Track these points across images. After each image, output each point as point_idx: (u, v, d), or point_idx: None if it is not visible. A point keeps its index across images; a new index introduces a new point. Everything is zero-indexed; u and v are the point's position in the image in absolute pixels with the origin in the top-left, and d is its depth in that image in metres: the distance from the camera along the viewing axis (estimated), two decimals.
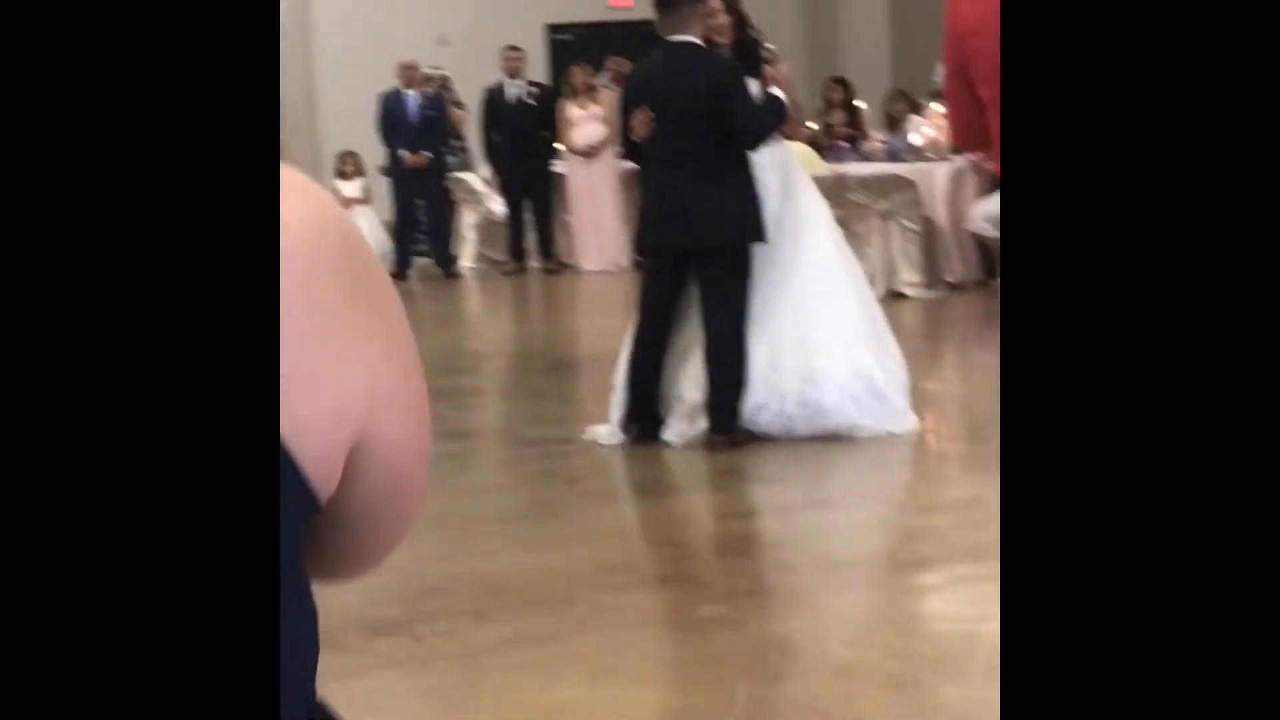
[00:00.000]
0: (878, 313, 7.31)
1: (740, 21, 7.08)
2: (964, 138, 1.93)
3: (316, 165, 16.48)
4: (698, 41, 6.93)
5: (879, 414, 6.80)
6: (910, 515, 5.97)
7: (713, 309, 6.90)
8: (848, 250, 7.46)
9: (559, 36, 19.60)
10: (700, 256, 6.99)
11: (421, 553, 5.62)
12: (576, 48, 17.71)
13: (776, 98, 6.89)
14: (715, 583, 5.21)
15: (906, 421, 6.88)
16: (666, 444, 6.95)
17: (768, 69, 6.87)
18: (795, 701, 4.11)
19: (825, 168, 11.98)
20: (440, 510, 6.35)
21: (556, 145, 15.48)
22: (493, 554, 5.60)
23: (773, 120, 6.92)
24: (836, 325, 6.89)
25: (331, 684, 3.76)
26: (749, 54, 7.01)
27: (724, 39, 6.98)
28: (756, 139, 6.86)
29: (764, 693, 4.17)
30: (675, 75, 6.96)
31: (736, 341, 6.85)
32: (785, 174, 7.12)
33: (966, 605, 4.73)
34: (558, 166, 15.53)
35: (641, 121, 7.07)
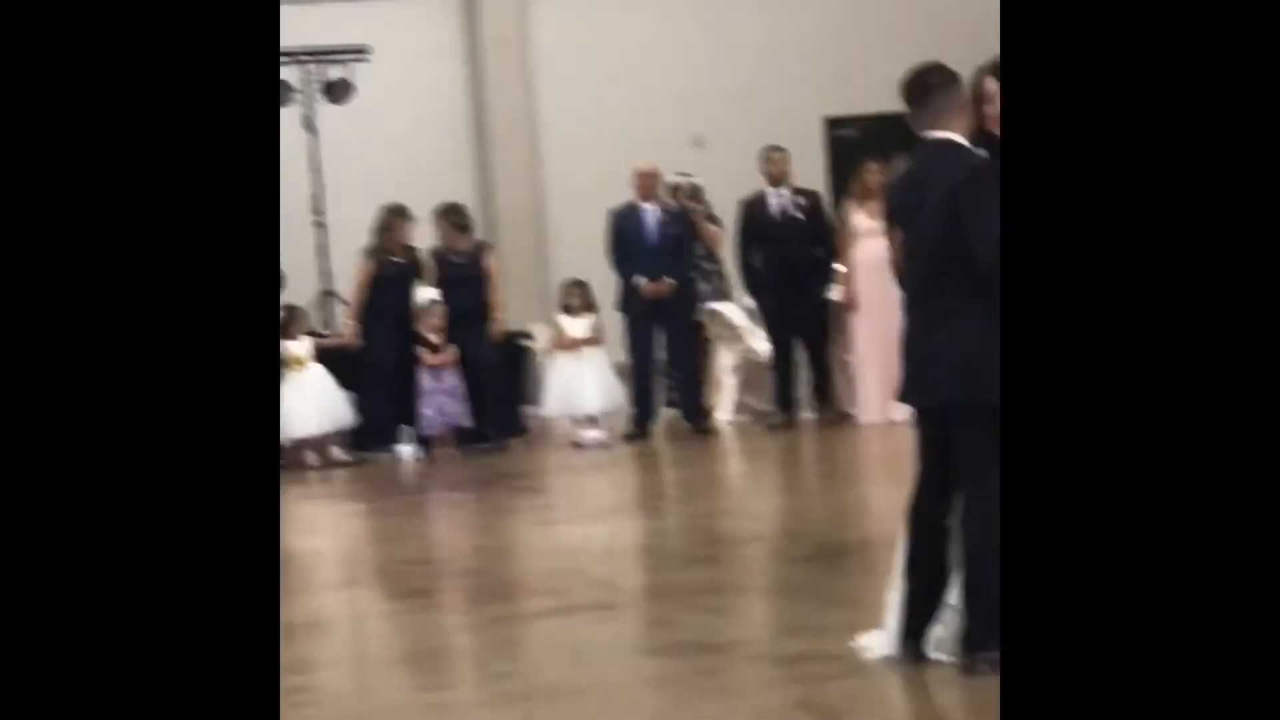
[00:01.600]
0: None
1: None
2: None
3: (544, 297, 16.46)
4: (954, 138, 6.52)
5: None
6: None
7: (970, 495, 6.44)
8: None
9: (840, 132, 19.44)
10: (945, 415, 6.59)
11: None
12: (862, 145, 17.37)
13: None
14: None
15: None
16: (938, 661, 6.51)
17: None
18: None
19: None
20: None
21: (835, 266, 14.96)
22: None
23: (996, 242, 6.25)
24: None
25: None
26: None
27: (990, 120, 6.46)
28: (996, 262, 6.11)
29: None
30: (918, 182, 6.65)
31: (986, 539, 6.11)
32: None
33: None
34: (835, 293, 15.09)
35: (894, 245, 6.88)
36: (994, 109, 6.33)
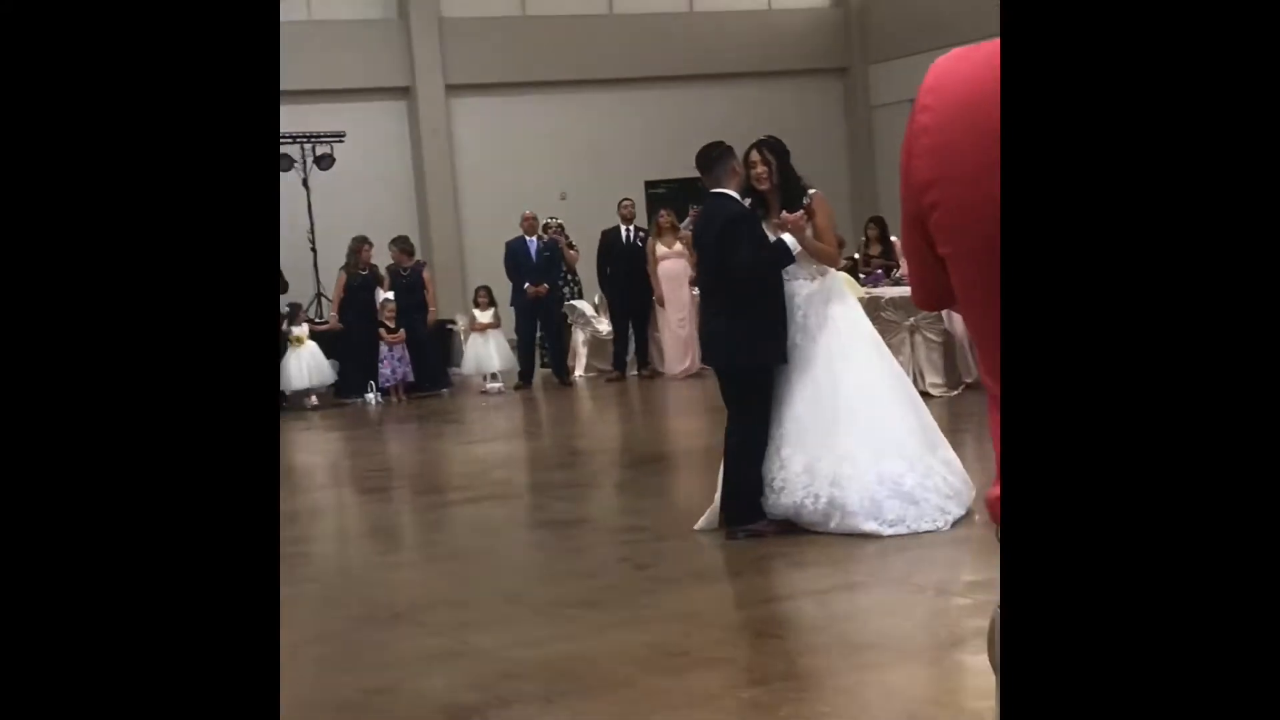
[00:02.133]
0: (927, 421, 6.72)
1: (783, 169, 6.54)
2: (924, 298, 1.52)
3: (464, 297, 16.41)
4: (728, 192, 6.57)
5: (908, 515, 6.21)
6: (926, 598, 5.41)
7: (730, 423, 6.57)
8: (894, 369, 6.94)
9: (654, 190, 19.45)
10: (722, 376, 6.77)
11: (506, 638, 5.20)
12: (668, 199, 17.36)
13: (781, 242, 6.38)
14: (754, 666, 4.74)
15: (941, 520, 6.26)
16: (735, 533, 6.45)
17: (777, 218, 6.39)
18: None
19: (862, 291, 11.91)
20: (530, 595, 5.95)
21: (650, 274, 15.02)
22: (568, 639, 5.15)
23: (771, 260, 6.42)
24: (867, 435, 6.35)
25: None
26: (792, 198, 6.49)
27: (764, 185, 6.50)
28: (749, 276, 6.42)
29: None
30: (705, 222, 6.83)
31: (743, 452, 6.45)
32: (825, 304, 6.53)
33: (978, 687, 4.19)
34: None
35: (692, 263, 7.14)
36: (756, 171, 6.49)
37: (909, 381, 7.07)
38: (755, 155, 6.56)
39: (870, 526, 6.16)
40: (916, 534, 6.14)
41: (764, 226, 6.46)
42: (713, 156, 6.68)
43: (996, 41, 1.39)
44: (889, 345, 11.41)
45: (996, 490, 1.42)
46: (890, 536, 6.12)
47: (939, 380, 11.28)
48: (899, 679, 4.47)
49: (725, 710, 4.27)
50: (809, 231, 6.43)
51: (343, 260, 15.30)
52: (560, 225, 16.19)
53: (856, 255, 13.69)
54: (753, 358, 6.48)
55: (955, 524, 6.26)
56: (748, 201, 6.56)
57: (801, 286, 6.52)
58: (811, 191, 6.60)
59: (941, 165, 1.38)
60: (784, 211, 6.40)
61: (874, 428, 6.39)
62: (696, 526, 6.64)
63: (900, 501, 6.23)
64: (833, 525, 6.24)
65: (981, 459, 8.62)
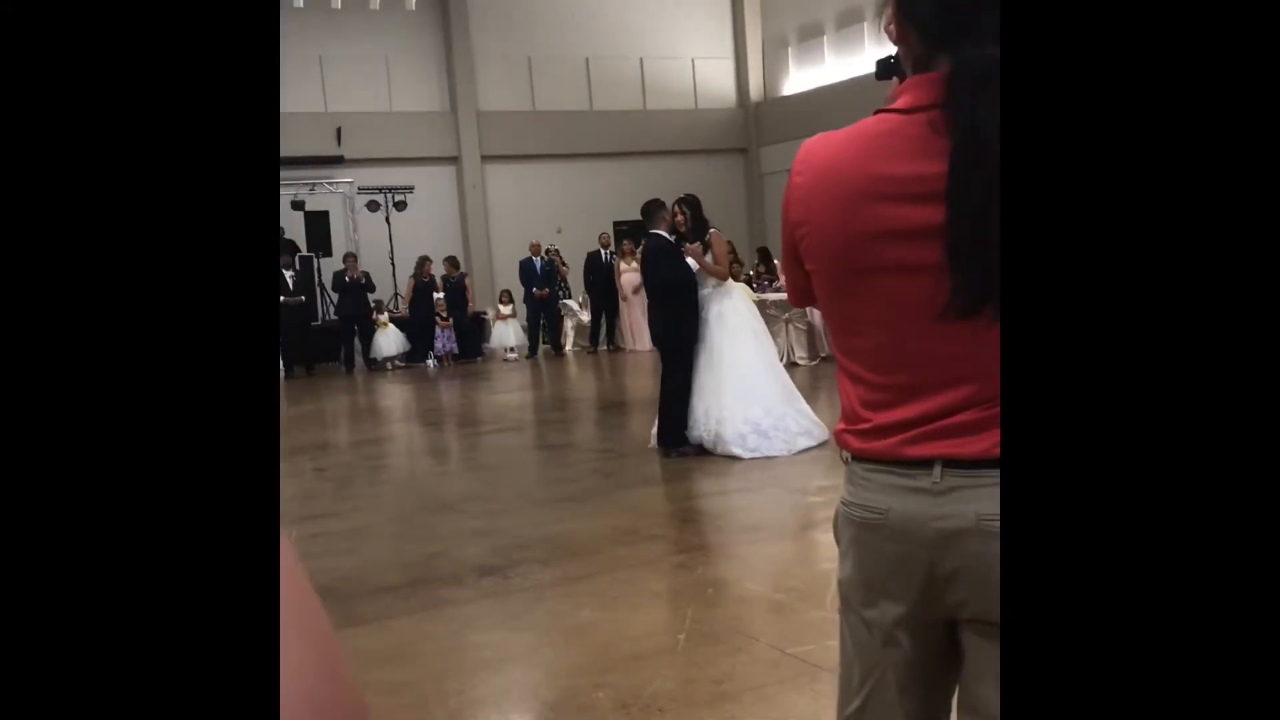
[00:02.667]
0: (785, 382, 6.72)
1: (695, 216, 6.58)
2: (797, 298, 1.51)
3: (492, 296, 16.28)
4: (659, 232, 6.60)
5: (762, 446, 6.29)
6: (795, 497, 5.42)
7: (663, 379, 6.68)
8: (767, 347, 6.85)
9: (619, 227, 19.35)
10: (659, 349, 6.91)
11: (519, 521, 5.18)
12: (628, 233, 17.24)
13: (685, 264, 6.46)
14: (680, 540, 4.72)
15: (787, 449, 6.30)
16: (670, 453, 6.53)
17: (685, 247, 6.46)
18: (721, 622, 3.56)
19: (755, 295, 11.91)
20: (534, 493, 5.93)
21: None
22: (559, 522, 5.12)
23: (676, 277, 6.46)
24: (739, 391, 6.40)
25: (450, 608, 3.24)
26: (700, 235, 6.52)
27: (683, 228, 6.55)
28: (666, 286, 6.49)
29: (702, 615, 3.63)
30: (645, 252, 6.82)
31: (671, 399, 6.56)
32: (719, 303, 6.57)
33: (827, 556, 4.20)
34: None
35: (644, 278, 7.03)
36: (677, 219, 6.51)
37: (774, 356, 6.96)
38: (676, 208, 6.66)
39: (736, 451, 6.27)
40: (772, 458, 6.22)
41: (681, 253, 6.49)
42: (650, 208, 6.75)
43: (845, 131, 1.38)
44: (770, 331, 11.48)
45: (840, 425, 1.43)
46: (754, 459, 6.21)
47: (804, 354, 11.30)
48: (774, 549, 4.48)
49: (661, 569, 4.27)
50: (708, 257, 6.47)
51: (412, 272, 15.21)
52: (556, 250, 16.14)
53: (751, 272, 13.70)
54: (672, 338, 6.59)
55: (807, 450, 6.33)
56: (674, 238, 6.57)
57: (708, 293, 6.56)
58: (712, 231, 6.59)
59: (808, 211, 1.39)
60: (687, 244, 6.50)
61: (744, 387, 6.41)
62: (650, 446, 6.72)
63: (757, 436, 6.32)
64: (719, 450, 6.34)
65: (831, 407, 8.66)
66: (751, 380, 6.45)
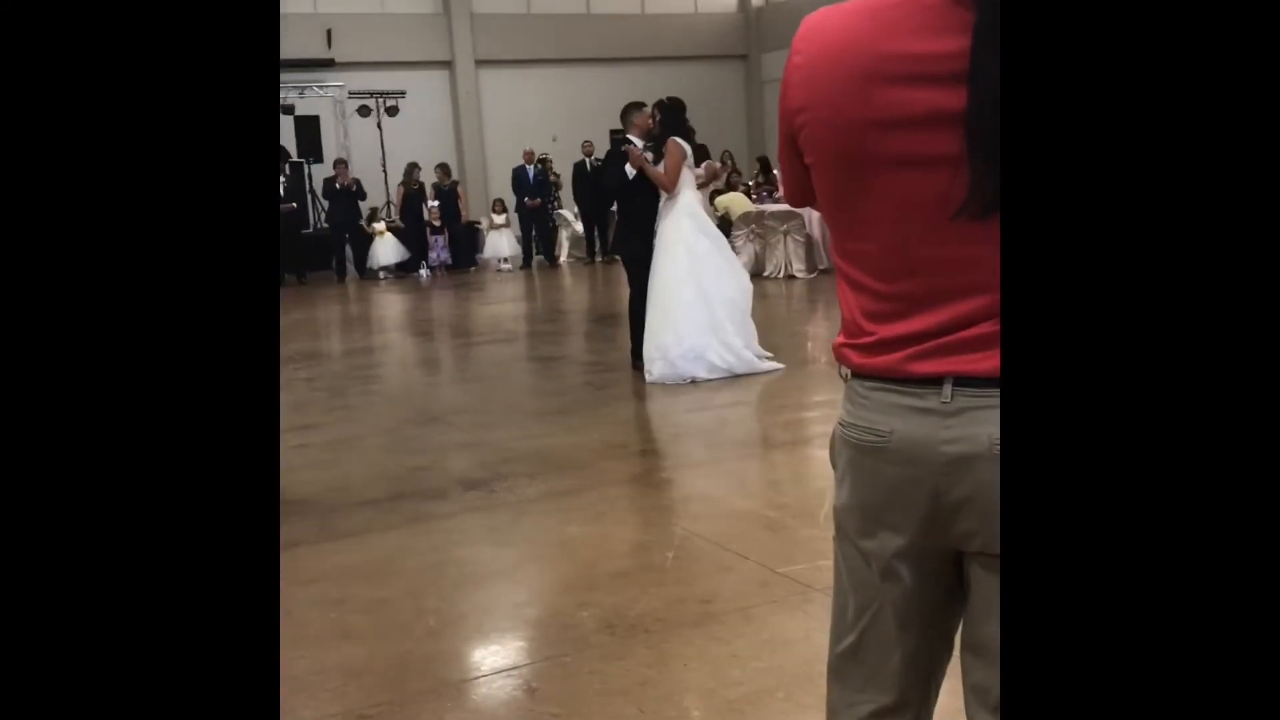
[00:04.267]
0: (719, 308, 6.06)
1: (668, 120, 6.25)
2: (794, 196, 1.34)
3: (485, 204, 16.03)
4: (628, 136, 6.30)
5: (667, 374, 5.93)
6: (789, 412, 5.31)
7: (631, 282, 6.40)
8: (710, 267, 6.11)
9: (616, 135, 18.96)
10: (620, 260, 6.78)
11: (506, 434, 5.08)
12: (623, 140, 16.93)
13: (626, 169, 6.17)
14: (670, 455, 4.64)
15: (690, 375, 5.90)
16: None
17: (627, 148, 6.15)
18: (708, 537, 3.46)
19: (753, 206, 11.76)
20: (523, 406, 5.82)
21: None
22: (547, 435, 5.02)
23: (623, 183, 6.18)
24: (653, 313, 6.05)
25: (433, 522, 3.14)
26: (660, 140, 6.19)
27: (655, 131, 6.28)
28: (613, 193, 6.32)
29: (691, 529, 3.54)
30: (606, 155, 6.69)
31: (631, 315, 6.33)
32: (666, 216, 6.10)
33: (821, 473, 4.10)
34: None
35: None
36: (649, 123, 6.32)
37: (719, 276, 6.12)
38: (650, 110, 6.39)
39: (650, 378, 5.99)
40: (735, 376, 5.95)
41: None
42: (626, 110, 6.49)
43: (853, 2, 1.22)
44: (768, 245, 11.32)
45: (839, 339, 1.29)
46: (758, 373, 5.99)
47: (802, 267, 11.12)
48: (766, 465, 4.39)
49: (650, 484, 4.18)
50: (660, 166, 6.06)
51: (400, 179, 14.95)
52: (548, 157, 15.88)
53: (750, 183, 13.43)
54: (626, 248, 6.39)
55: (734, 377, 5.96)
56: (646, 143, 6.23)
57: (661, 205, 6.14)
58: (670, 140, 6.15)
59: (810, 95, 1.22)
60: (630, 147, 6.16)
61: (658, 308, 6.03)
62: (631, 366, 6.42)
63: (663, 363, 5.97)
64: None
65: (829, 320, 8.54)
66: (668, 302, 5.99)
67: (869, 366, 1.23)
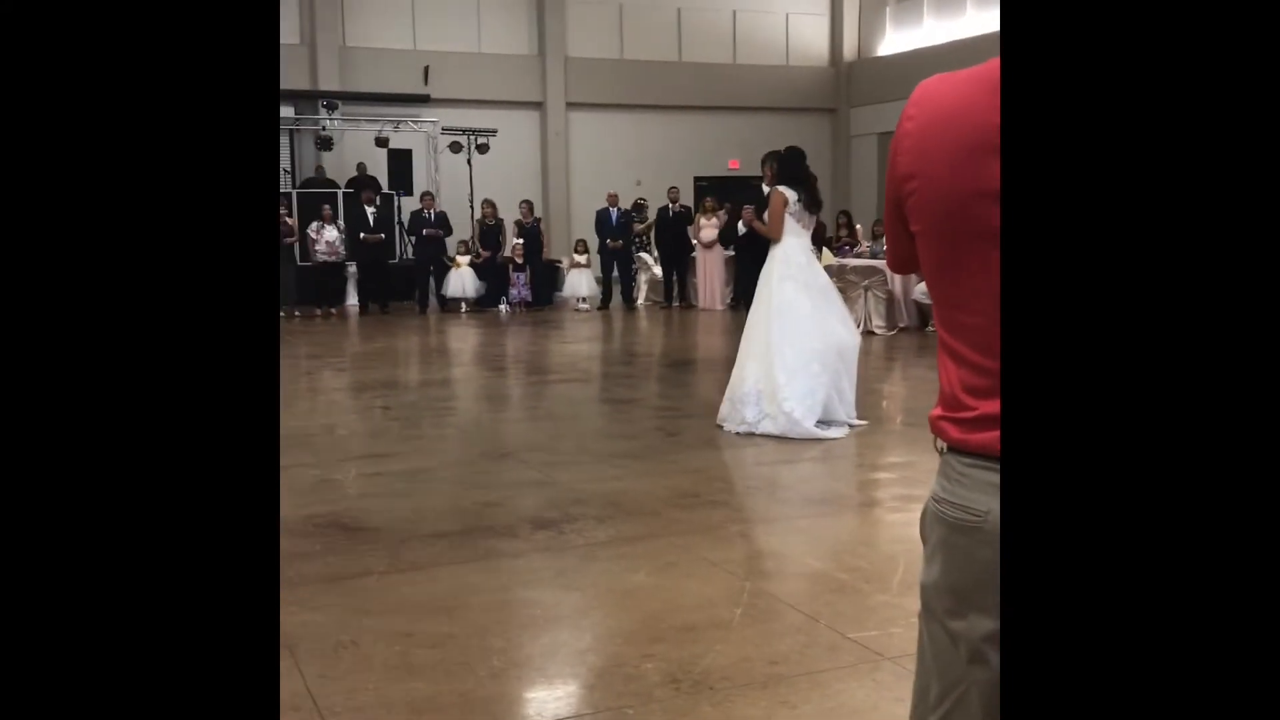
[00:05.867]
0: (775, 360, 5.90)
1: (783, 171, 6.21)
2: (896, 264, 1.32)
3: (567, 243, 16.21)
4: (764, 184, 6.63)
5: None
6: (864, 472, 5.22)
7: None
8: (788, 311, 5.96)
9: (700, 183, 19.08)
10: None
11: (577, 475, 5.07)
12: (708, 190, 17.02)
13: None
14: (741, 508, 4.57)
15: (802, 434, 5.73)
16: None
17: (745, 211, 6.42)
18: (778, 596, 3.41)
19: (834, 260, 11.70)
20: (595, 447, 5.82)
21: (692, 240, 14.72)
22: (618, 479, 5.00)
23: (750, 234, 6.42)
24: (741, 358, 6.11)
25: (502, 560, 3.13)
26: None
27: (770, 183, 6.38)
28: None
29: (760, 589, 3.49)
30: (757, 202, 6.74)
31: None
32: (786, 264, 6.05)
33: (895, 537, 4.01)
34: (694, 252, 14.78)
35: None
36: (768, 173, 6.42)
37: (790, 326, 5.91)
38: (766, 166, 6.60)
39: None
40: (849, 431, 5.89)
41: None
42: (763, 162, 6.74)
43: (969, 70, 1.20)
44: (847, 299, 11.26)
45: (937, 410, 1.26)
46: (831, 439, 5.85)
47: (882, 324, 11.02)
48: (840, 525, 4.30)
49: (720, 537, 4.12)
50: (765, 217, 6.13)
51: (478, 215, 15.31)
52: (635, 202, 15.99)
53: (832, 236, 13.41)
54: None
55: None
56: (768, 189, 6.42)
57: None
58: (767, 189, 6.26)
59: (919, 162, 1.21)
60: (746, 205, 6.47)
61: (743, 352, 6.07)
62: (717, 421, 6.16)
63: (727, 405, 6.07)
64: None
65: (905, 381, 8.43)
66: (743, 347, 6.05)
67: (968, 443, 1.20)
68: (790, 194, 6.06)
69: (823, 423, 5.87)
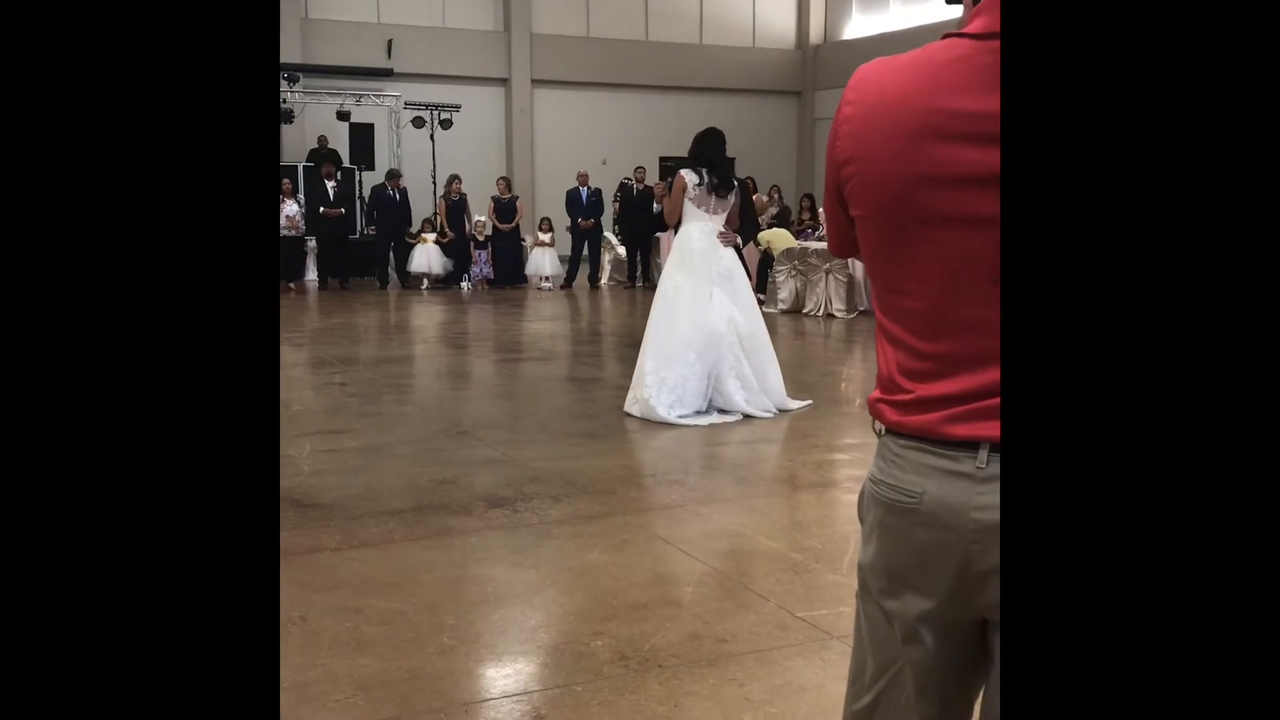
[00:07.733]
0: (667, 343, 5.88)
1: (696, 151, 6.02)
2: (837, 246, 1.32)
3: (533, 222, 16.17)
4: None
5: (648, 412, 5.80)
6: (820, 453, 5.26)
7: None
8: (672, 299, 5.98)
9: (666, 163, 19.06)
10: None
11: (534, 454, 5.07)
12: (674, 169, 16.98)
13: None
14: (698, 487, 4.58)
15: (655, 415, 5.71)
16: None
17: (656, 187, 6.23)
18: (730, 575, 3.43)
19: (796, 243, 11.72)
20: (553, 426, 5.80)
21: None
22: (575, 458, 5.00)
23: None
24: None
25: (455, 537, 3.12)
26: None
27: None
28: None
29: (713, 566, 3.51)
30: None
31: None
32: (678, 251, 5.97)
33: (849, 517, 4.05)
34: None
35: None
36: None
37: (674, 311, 5.90)
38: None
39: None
40: (807, 410, 5.91)
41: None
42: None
43: (908, 55, 1.20)
44: (809, 283, 11.29)
45: (875, 394, 1.27)
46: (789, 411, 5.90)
47: (842, 307, 11.07)
48: (794, 505, 4.34)
49: (675, 516, 4.13)
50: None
51: (442, 192, 15.15)
52: (630, 180, 15.98)
53: (794, 220, 13.44)
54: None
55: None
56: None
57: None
58: (678, 172, 6.04)
59: (858, 147, 1.20)
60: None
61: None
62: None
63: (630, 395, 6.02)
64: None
65: (865, 363, 8.48)
66: (645, 337, 6.04)
67: (904, 425, 1.21)
68: (691, 177, 5.88)
69: (700, 412, 5.81)
